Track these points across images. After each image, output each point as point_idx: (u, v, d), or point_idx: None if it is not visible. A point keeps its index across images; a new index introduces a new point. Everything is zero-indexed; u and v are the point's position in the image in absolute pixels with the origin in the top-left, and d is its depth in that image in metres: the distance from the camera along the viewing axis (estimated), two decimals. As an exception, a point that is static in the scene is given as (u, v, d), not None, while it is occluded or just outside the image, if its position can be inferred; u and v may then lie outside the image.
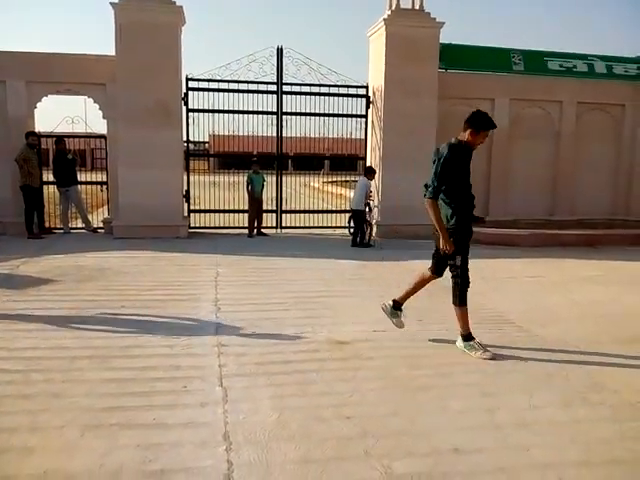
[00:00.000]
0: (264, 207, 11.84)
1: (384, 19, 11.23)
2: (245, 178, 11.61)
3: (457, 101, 12.29)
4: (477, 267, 8.58)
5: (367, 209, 10.79)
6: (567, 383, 4.18)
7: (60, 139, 11.27)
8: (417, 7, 11.44)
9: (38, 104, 10.94)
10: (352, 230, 10.71)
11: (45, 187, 11.39)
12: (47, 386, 3.90)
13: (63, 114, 10.93)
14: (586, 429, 3.48)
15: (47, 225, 11.35)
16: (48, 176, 11.58)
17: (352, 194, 10.51)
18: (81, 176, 11.66)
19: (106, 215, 11.62)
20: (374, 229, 10.94)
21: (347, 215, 11.72)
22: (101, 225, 11.44)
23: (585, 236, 11.05)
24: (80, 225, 11.53)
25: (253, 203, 11.42)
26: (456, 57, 12.63)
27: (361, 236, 10.43)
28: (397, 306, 5.20)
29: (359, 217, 10.49)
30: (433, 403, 3.79)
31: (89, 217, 11.71)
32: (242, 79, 11.21)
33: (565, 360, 4.65)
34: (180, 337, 4.96)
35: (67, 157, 11.23)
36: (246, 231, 11.45)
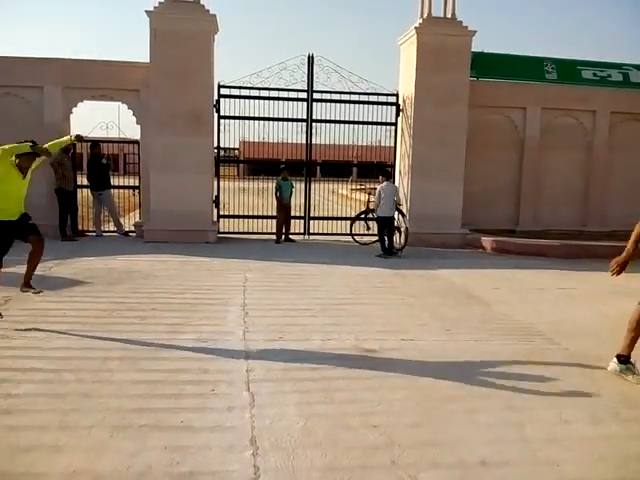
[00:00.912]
0: (292, 213, 11.88)
1: (416, 27, 11.21)
2: (274, 184, 11.68)
3: (488, 109, 12.23)
4: (505, 278, 8.55)
5: (400, 215, 10.74)
6: (598, 398, 4.10)
7: (95, 144, 11.49)
8: (449, 15, 11.40)
9: (74, 109, 11.18)
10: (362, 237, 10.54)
11: (79, 190, 11.62)
12: (78, 386, 3.97)
13: (98, 119, 11.11)
14: (618, 446, 3.41)
15: (80, 228, 11.57)
16: (82, 180, 11.82)
17: (379, 200, 10.25)
18: (114, 180, 11.86)
19: (137, 219, 11.79)
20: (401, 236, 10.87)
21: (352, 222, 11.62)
22: (132, 229, 11.61)
23: (618, 248, 10.70)
24: (112, 228, 11.72)
25: (281, 209, 11.46)
26: (488, 65, 12.55)
27: (389, 244, 10.32)
28: (625, 360, 4.49)
29: (389, 224, 10.37)
30: (460, 414, 3.76)
31: (121, 220, 11.91)
32: (273, 86, 11.32)
33: (595, 374, 4.56)
34: (208, 341, 5.01)
35: (101, 162, 11.45)
36: (274, 237, 11.51)
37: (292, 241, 11.60)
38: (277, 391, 4.00)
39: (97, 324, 5.42)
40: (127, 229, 11.71)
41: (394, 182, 11.07)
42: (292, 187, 11.66)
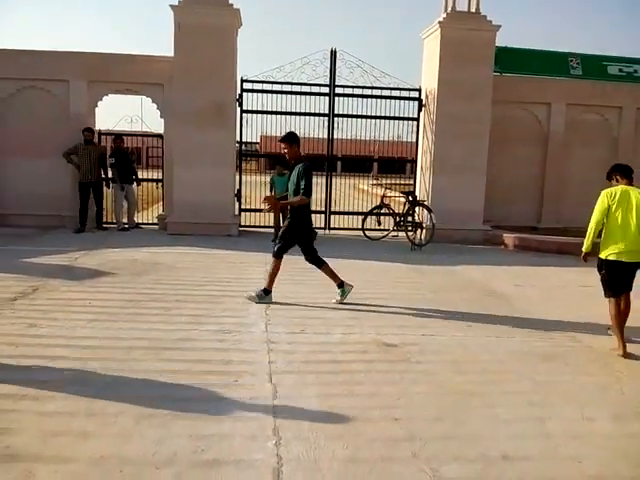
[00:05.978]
0: (313, 208, 11.70)
1: (439, 22, 11.15)
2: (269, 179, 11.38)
3: (512, 105, 12.11)
4: (527, 275, 8.50)
5: (426, 210, 10.71)
6: (621, 396, 4.08)
7: (118, 137, 11.58)
8: (473, 10, 11.31)
9: (99, 103, 11.32)
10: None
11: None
12: (103, 374, 4.06)
13: (122, 112, 11.21)
14: (640, 444, 3.40)
15: (106, 220, 11.68)
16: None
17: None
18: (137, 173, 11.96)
19: (161, 212, 11.91)
20: (424, 232, 10.83)
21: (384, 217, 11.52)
22: (155, 221, 11.73)
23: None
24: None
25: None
26: (512, 60, 12.42)
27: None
28: None
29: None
30: (481, 409, 3.77)
31: (138, 215, 12.04)
32: (295, 81, 11.34)
33: (619, 373, 4.54)
34: (231, 332, 5.08)
35: (127, 155, 11.49)
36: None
37: None
38: (299, 383, 4.05)
39: (122, 314, 5.52)
40: (150, 221, 11.84)
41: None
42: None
